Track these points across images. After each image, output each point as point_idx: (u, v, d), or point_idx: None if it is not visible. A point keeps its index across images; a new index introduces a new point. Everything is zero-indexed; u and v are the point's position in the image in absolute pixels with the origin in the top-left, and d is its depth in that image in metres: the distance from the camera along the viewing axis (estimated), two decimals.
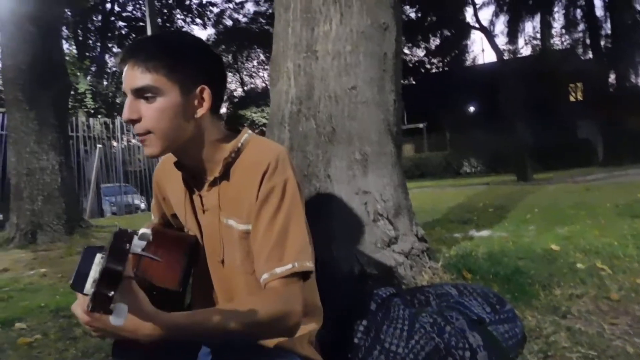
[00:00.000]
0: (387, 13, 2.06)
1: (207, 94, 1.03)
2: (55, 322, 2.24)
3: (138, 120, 1.00)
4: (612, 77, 17.97)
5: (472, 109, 23.73)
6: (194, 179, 1.12)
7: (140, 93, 0.98)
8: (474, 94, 21.51)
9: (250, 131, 1.13)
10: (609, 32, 17.41)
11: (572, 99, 23.27)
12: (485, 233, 3.64)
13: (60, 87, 6.17)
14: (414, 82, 24.19)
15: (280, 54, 2.09)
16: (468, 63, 23.52)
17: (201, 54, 1.06)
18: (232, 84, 28.83)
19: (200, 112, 1.03)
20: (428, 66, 24.06)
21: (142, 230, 0.73)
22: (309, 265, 1.01)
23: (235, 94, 28.54)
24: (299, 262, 0.99)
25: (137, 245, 0.71)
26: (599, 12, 17.82)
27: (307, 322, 1.16)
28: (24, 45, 5.72)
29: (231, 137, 1.10)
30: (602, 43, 17.78)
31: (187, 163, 1.10)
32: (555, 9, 17.46)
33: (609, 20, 17.27)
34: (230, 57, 26.49)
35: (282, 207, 1.02)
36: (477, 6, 17.10)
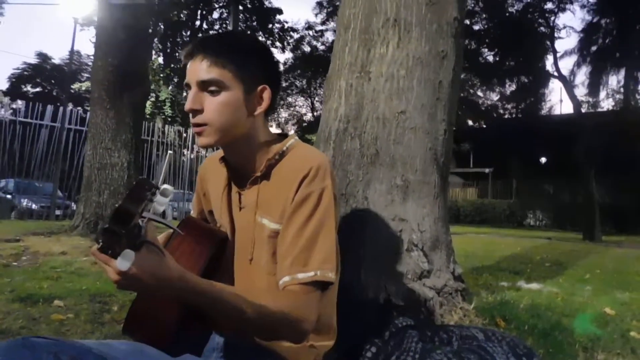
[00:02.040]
0: (447, 41, 2.03)
1: (267, 93, 1.08)
2: (90, 306, 2.33)
3: (200, 112, 1.04)
4: None
5: (543, 159, 22.73)
6: (237, 176, 1.15)
7: (206, 86, 1.03)
8: (547, 145, 20.61)
9: (296, 137, 1.16)
10: None
11: None
12: (535, 286, 3.42)
13: (140, 92, 6.60)
14: (484, 126, 23.62)
15: (335, 73, 2.11)
16: (544, 112, 22.63)
17: (266, 56, 1.12)
18: (303, 108, 29.48)
19: (258, 110, 1.08)
20: (501, 111, 23.43)
21: (165, 186, 0.74)
22: (331, 276, 1.00)
23: (305, 118, 29.15)
24: (321, 272, 0.99)
25: (160, 202, 0.73)
26: None
27: (317, 339, 1.14)
28: (115, 49, 6.18)
29: (278, 140, 1.13)
30: None
31: (233, 159, 1.14)
32: None
33: None
34: (304, 82, 27.20)
35: (315, 214, 1.02)
36: (558, 54, 16.53)
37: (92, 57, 6.88)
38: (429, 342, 1.37)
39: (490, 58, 18.77)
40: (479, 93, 22.21)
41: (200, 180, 1.30)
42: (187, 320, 1.00)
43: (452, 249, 2.07)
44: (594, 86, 17.30)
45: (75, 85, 20.99)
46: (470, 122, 23.47)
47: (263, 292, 1.07)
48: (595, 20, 16.44)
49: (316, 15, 24.44)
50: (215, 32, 23.97)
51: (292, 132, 26.09)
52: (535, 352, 1.45)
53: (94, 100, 6.29)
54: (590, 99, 18.85)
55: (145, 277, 0.78)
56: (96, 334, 1.91)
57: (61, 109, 10.95)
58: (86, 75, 23.24)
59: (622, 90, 16.14)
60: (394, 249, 1.85)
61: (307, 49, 25.86)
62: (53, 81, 26.08)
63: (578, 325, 1.80)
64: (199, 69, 1.02)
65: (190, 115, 1.05)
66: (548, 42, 16.37)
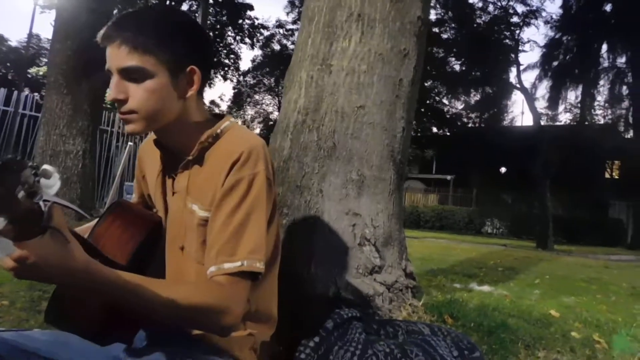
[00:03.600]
0: (410, 40, 2.04)
1: (197, 75, 1.01)
2: (27, 294, 2.22)
3: (125, 101, 0.96)
4: None
5: (503, 169, 23.40)
6: (171, 159, 1.09)
7: (128, 73, 0.95)
8: (507, 155, 21.21)
9: (233, 119, 1.10)
10: None
11: (607, 175, 22.72)
12: (486, 288, 3.49)
13: (100, 79, 6.38)
14: (448, 134, 24.11)
15: (297, 64, 2.08)
16: (505, 123, 23.32)
17: (192, 33, 1.03)
18: (270, 106, 29.30)
19: (189, 93, 1.01)
20: (465, 120, 23.97)
21: (44, 166, 0.67)
22: (259, 266, 0.96)
23: (271, 117, 28.97)
24: (248, 262, 0.95)
25: (47, 185, 0.66)
26: None
27: (255, 328, 1.11)
28: (75, 32, 5.96)
29: (213, 122, 1.07)
30: None
31: (166, 142, 1.09)
32: (601, 82, 17.27)
33: None
34: (272, 80, 27.03)
35: (244, 201, 0.97)
36: (522, 67, 17.08)
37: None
38: (374, 334, 1.36)
39: (457, 67, 19.23)
40: (445, 101, 22.67)
41: (139, 163, 1.25)
42: (114, 309, 0.95)
43: (405, 246, 2.07)
44: (554, 100, 17.96)
45: (33, 70, 20.17)
46: (434, 129, 23.89)
47: (187, 282, 1.04)
48: (557, 36, 17.09)
49: (287, 13, 24.35)
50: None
51: (257, 130, 25.86)
52: (477, 347, 1.46)
53: (50, 84, 6.04)
54: (550, 112, 19.55)
55: (45, 266, 0.71)
56: (31, 322, 1.82)
57: (15, 92, 10.49)
58: (45, 60, 22.39)
59: (579, 105, 16.79)
60: (346, 243, 1.83)
61: (277, 47, 25.72)
62: (9, 64, 24.96)
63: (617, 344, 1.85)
64: (117, 55, 0.94)
65: (117, 104, 0.98)
66: (512, 55, 16.90)
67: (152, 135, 1.17)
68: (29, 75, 19.19)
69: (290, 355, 1.30)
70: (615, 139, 18.20)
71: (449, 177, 23.01)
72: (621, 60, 17.23)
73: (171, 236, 1.11)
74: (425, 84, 19.14)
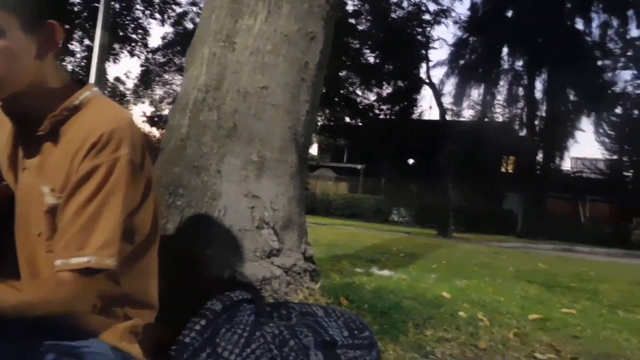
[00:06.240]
0: (317, 24, 2.03)
1: (58, 31, 0.88)
2: None
3: None
4: (540, 156, 19.25)
5: (411, 160, 24.51)
6: (22, 130, 0.95)
7: None
8: (415, 147, 22.24)
9: (96, 89, 0.97)
10: (544, 114, 18.79)
11: (503, 169, 24.64)
12: (386, 273, 3.62)
13: None
14: (360, 124, 24.74)
15: (199, 39, 2.00)
16: (414, 116, 24.39)
17: None
18: (180, 87, 28.19)
19: (47, 53, 0.88)
20: (377, 111, 24.69)
21: None
22: (109, 263, 0.87)
23: None
24: (97, 258, 0.85)
25: None
26: (538, 94, 19.12)
27: (132, 312, 1.03)
28: None
29: (73, 90, 0.94)
30: (536, 123, 19.07)
31: (15, 111, 0.93)
32: (501, 83, 18.68)
33: (545, 104, 18.66)
34: (183, 60, 25.97)
35: (101, 191, 0.87)
36: (431, 64, 18.01)
37: None
38: (266, 317, 1.35)
39: (372, 59, 19.75)
40: (358, 92, 23.17)
41: None
42: None
43: (306, 230, 2.08)
44: (459, 97, 19.12)
45: None
46: (347, 119, 24.38)
47: (28, 284, 0.92)
48: (464, 36, 18.20)
49: None
50: None
51: (166, 112, 24.73)
52: (368, 327, 1.50)
53: None
54: (455, 108, 20.79)
55: None
56: None
57: None
58: None
59: (481, 103, 18.04)
60: (244, 225, 1.80)
61: (189, 25, 24.61)
62: None
63: None
64: None
65: None
66: (423, 51, 17.71)
67: None
68: None
69: (171, 333, 1.24)
70: (511, 136, 19.77)
71: (359, 167, 23.64)
72: (519, 64, 18.73)
73: (22, 218, 0.98)
74: (340, 74, 19.45)
